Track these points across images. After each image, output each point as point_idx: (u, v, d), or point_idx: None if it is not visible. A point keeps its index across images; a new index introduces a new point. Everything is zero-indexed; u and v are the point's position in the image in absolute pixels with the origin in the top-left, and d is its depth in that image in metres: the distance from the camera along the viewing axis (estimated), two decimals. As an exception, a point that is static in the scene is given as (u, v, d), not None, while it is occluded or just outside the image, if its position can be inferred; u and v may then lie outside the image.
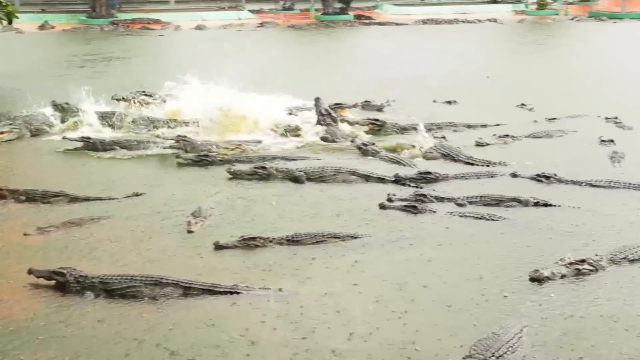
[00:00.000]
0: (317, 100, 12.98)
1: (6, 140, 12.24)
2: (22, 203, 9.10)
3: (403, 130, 12.86)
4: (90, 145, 11.62)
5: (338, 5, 37.47)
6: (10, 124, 12.81)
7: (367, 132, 12.73)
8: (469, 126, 13.12)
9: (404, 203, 8.94)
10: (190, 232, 8.18)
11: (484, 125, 13.11)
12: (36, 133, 12.77)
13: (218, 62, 13.70)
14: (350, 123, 13.18)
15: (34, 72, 19.02)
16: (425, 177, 9.99)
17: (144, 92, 14.27)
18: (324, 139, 12.15)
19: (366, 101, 14.97)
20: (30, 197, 9.18)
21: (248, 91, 13.31)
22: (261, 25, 34.08)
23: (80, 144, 11.67)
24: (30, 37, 29.63)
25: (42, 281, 6.74)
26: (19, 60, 22.43)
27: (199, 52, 24.04)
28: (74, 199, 9.19)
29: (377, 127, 12.86)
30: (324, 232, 7.97)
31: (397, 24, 34.09)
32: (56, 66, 21.38)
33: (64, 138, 12.08)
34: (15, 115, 13.16)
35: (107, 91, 14.15)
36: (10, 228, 8.29)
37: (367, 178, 10.10)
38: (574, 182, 9.81)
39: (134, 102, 13.75)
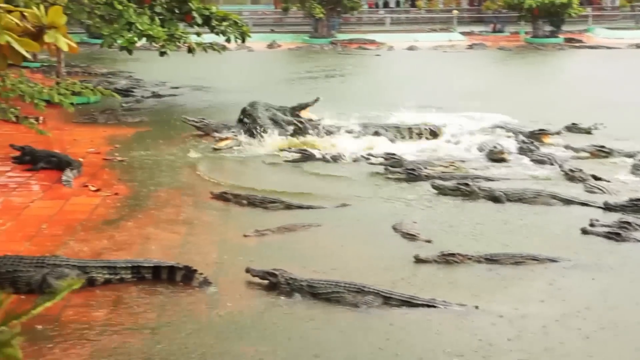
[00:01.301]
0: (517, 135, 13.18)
1: (230, 147, 12.73)
2: (244, 207, 9.43)
3: (629, 157, 11.80)
4: (307, 157, 11.91)
5: (548, 28, 36.19)
6: (233, 132, 13.45)
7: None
8: None
9: (607, 229, 8.38)
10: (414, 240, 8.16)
11: None
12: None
13: (434, 82, 13.64)
14: (576, 150, 12.30)
15: (261, 86, 19.86)
16: (638, 205, 9.24)
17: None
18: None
19: (573, 124, 14.15)
20: (251, 201, 9.50)
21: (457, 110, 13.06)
22: (470, 47, 33.63)
23: (297, 156, 12.01)
24: (259, 54, 31.12)
25: (256, 279, 6.92)
26: (250, 76, 23.64)
27: (419, 73, 24.12)
28: (288, 206, 9.40)
29: (604, 155, 11.98)
30: (523, 254, 7.62)
31: (608, 48, 32.35)
32: (281, 82, 22.22)
33: (281, 150, 12.46)
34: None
35: (323, 106, 14.51)
36: (232, 229, 8.62)
37: (567, 202, 9.59)
38: None
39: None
